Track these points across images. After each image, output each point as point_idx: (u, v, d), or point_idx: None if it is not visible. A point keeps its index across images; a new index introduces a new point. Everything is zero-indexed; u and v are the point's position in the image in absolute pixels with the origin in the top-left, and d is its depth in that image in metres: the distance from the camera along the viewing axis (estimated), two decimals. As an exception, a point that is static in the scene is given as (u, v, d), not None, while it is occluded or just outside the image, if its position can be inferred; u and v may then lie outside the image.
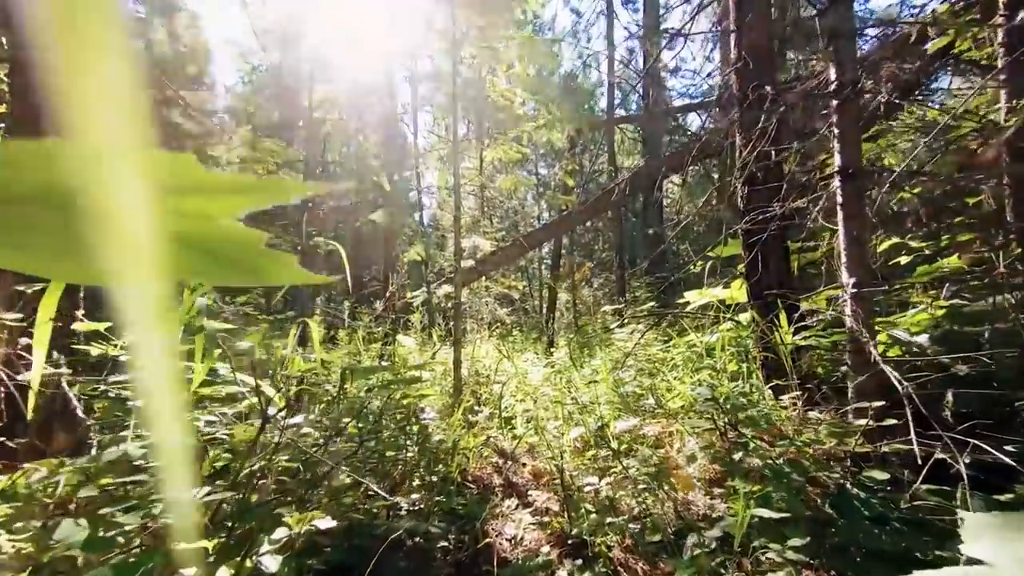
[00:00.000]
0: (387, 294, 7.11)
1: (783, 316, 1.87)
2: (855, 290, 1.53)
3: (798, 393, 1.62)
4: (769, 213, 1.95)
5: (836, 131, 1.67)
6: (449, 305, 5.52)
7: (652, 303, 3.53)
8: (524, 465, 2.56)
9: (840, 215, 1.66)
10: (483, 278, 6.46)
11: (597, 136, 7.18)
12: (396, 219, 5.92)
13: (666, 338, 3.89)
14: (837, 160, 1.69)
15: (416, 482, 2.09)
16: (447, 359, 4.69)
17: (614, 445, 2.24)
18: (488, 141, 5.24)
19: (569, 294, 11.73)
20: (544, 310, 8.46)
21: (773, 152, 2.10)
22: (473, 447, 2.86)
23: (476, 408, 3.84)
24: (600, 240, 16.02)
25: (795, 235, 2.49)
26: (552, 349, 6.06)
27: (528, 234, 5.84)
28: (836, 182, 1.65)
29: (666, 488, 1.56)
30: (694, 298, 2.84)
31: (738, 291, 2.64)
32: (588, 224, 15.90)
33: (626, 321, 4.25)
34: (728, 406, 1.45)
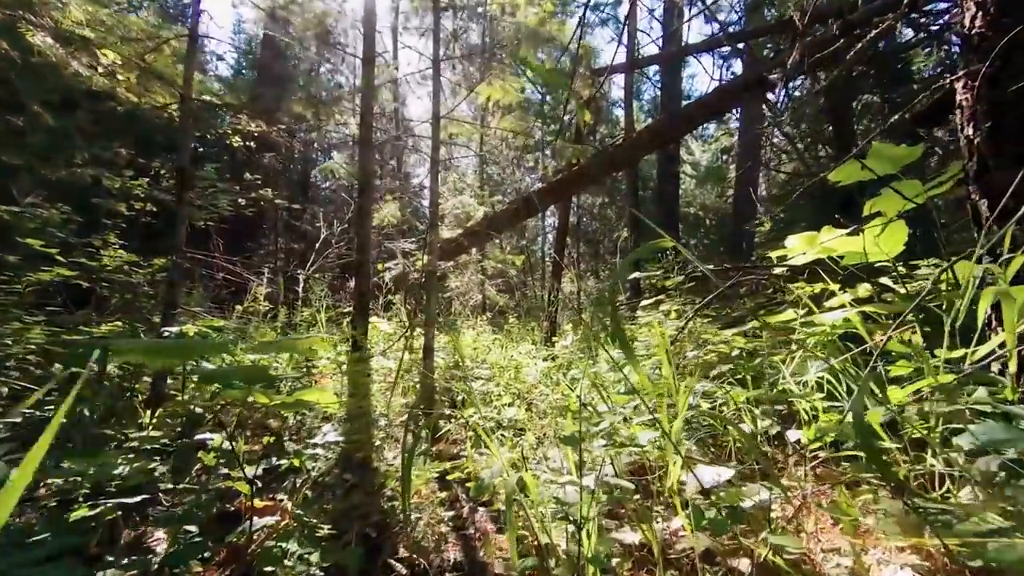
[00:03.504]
0: (357, 264, 5.97)
1: None
2: None
3: None
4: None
5: None
6: (426, 279, 4.37)
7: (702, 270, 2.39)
8: (498, 530, 1.44)
9: None
10: (475, 250, 5.33)
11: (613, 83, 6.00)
12: (367, 168, 4.66)
13: (722, 325, 2.75)
14: None
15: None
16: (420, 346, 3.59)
17: (684, 519, 1.11)
18: (483, 64, 4.05)
19: (573, 283, 10.57)
20: (545, 293, 7.32)
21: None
22: (421, 484, 1.74)
23: (448, 413, 2.74)
24: (608, 225, 14.81)
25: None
26: (554, 338, 4.92)
27: (536, 190, 4.64)
28: None
29: None
30: (798, 251, 1.69)
31: (890, 237, 1.51)
32: (597, 210, 14.68)
33: (661, 290, 3.10)
34: None
